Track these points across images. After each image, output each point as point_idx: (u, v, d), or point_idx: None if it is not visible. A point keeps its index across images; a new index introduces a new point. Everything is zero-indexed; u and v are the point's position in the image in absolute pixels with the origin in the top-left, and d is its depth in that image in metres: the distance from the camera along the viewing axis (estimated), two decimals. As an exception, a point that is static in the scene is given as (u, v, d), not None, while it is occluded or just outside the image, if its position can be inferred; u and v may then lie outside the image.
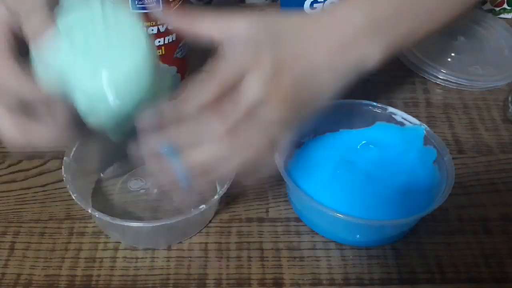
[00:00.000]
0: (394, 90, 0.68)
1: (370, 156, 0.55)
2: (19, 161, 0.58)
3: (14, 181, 0.57)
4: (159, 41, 0.58)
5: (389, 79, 0.69)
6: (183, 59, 0.62)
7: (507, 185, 0.57)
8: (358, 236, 0.51)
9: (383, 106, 0.57)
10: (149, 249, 0.51)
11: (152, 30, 0.56)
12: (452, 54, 0.71)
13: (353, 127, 0.58)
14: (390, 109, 0.56)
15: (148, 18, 0.56)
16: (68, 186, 0.49)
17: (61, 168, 0.51)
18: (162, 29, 0.57)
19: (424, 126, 0.55)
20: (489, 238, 0.52)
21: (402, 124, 0.56)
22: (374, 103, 0.57)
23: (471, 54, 0.72)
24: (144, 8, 0.55)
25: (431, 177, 0.54)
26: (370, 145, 0.56)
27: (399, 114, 0.56)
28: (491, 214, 0.54)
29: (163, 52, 0.59)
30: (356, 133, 0.58)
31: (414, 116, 0.56)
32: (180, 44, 0.60)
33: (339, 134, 0.57)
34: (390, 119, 0.57)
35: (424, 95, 0.67)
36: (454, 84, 0.68)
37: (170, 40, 0.58)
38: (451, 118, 0.64)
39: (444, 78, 0.68)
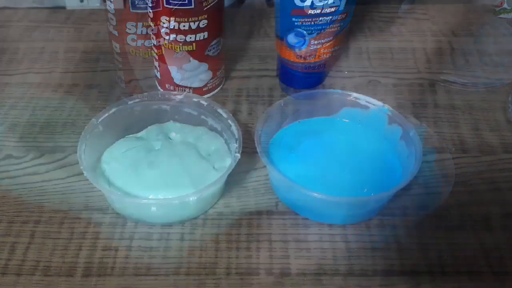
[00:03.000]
0: (403, 91, 0.70)
1: (339, 140, 0.60)
2: (42, 155, 0.61)
3: (36, 173, 0.59)
4: (190, 37, 0.60)
5: (397, 81, 0.71)
6: (215, 57, 0.64)
7: (509, 184, 0.58)
8: (338, 213, 0.54)
9: (348, 92, 0.61)
10: (163, 239, 0.53)
11: (184, 26, 0.58)
12: (453, 55, 0.72)
13: (323, 115, 0.62)
14: (354, 95, 0.60)
15: (148, 18, 0.57)
16: (85, 174, 0.51)
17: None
18: (193, 26, 0.59)
19: (387, 106, 0.58)
20: (490, 235, 0.54)
21: (366, 107, 0.60)
22: (340, 91, 0.61)
23: (471, 54, 0.73)
24: (144, 8, 0.56)
25: (398, 152, 0.57)
26: (339, 130, 0.61)
27: (362, 98, 0.60)
28: (493, 212, 0.56)
29: (194, 48, 0.61)
30: (326, 120, 0.62)
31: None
32: (212, 43, 0.62)
33: (313, 121, 0.62)
34: (355, 104, 0.60)
35: (431, 96, 0.69)
36: (456, 85, 0.69)
37: (201, 38, 0.60)
38: (455, 118, 0.66)
39: (445, 78, 0.70)
